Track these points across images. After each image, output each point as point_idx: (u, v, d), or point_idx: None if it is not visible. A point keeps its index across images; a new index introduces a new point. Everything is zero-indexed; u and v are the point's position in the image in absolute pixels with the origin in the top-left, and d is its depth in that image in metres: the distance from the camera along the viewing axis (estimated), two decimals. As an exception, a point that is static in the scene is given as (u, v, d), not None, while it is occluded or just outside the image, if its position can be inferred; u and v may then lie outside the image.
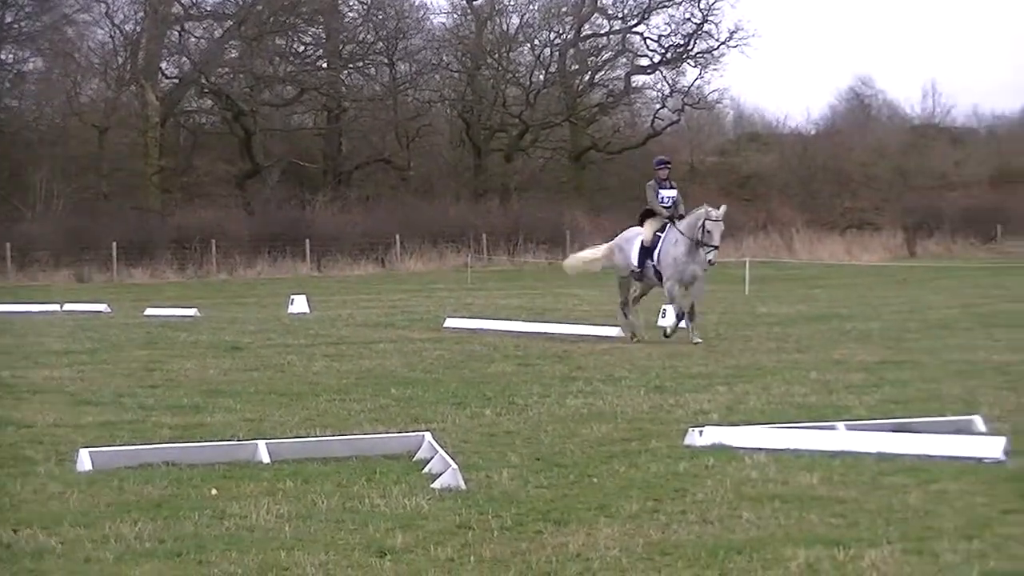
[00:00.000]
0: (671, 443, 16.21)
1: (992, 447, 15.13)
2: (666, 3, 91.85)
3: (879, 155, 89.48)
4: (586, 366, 24.92)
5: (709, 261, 29.75)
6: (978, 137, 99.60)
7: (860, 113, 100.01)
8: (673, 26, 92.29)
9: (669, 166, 31.15)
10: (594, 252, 33.80)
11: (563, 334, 30.96)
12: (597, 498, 13.23)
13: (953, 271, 62.71)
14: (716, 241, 29.59)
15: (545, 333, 31.23)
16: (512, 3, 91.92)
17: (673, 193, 30.64)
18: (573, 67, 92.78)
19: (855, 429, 16.37)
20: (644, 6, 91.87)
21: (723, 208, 30.09)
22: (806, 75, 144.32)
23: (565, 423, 17.99)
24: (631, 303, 30.92)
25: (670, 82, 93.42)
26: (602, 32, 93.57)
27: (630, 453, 15.66)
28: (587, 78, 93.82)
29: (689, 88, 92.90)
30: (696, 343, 28.43)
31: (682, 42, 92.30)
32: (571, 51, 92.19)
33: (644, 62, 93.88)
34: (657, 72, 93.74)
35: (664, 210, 30.29)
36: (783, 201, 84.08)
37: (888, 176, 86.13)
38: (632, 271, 30.66)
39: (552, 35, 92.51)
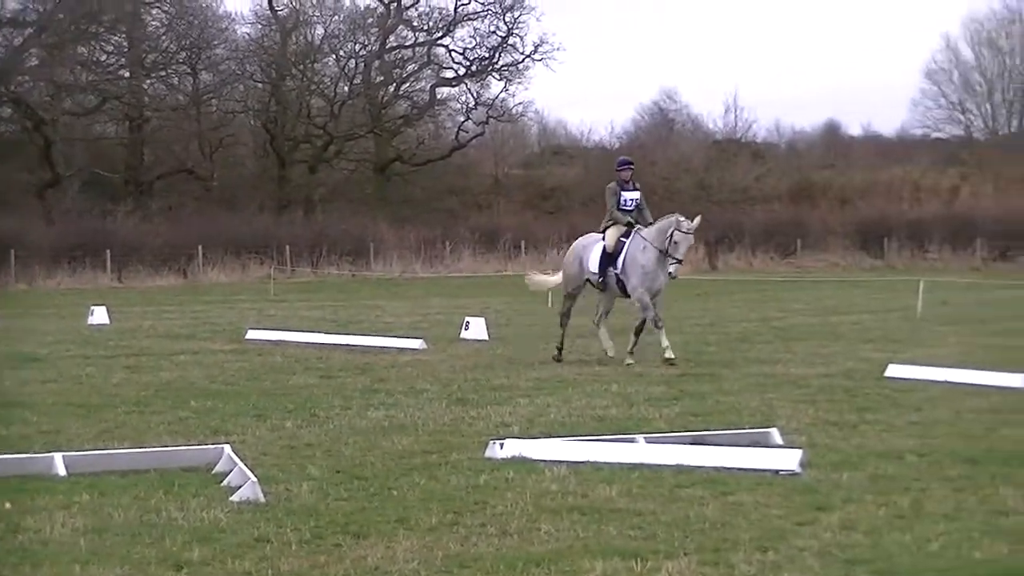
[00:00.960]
0: (472, 456, 16.24)
1: (788, 459, 15.30)
2: (471, 16, 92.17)
3: (682, 169, 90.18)
4: (388, 378, 24.90)
5: (670, 274, 27.80)
6: (779, 152, 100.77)
7: (664, 127, 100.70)
8: (478, 39, 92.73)
9: (631, 167, 28.95)
10: (556, 278, 30.74)
11: (366, 346, 30.88)
12: (397, 511, 13.23)
13: (753, 285, 63.30)
14: (681, 254, 27.76)
15: (348, 345, 31.15)
16: (317, 14, 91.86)
17: (636, 195, 28.58)
18: (378, 79, 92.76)
19: (654, 442, 16.49)
20: (450, 19, 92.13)
21: (697, 220, 28.05)
22: (611, 89, 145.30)
23: (366, 435, 17.97)
24: (599, 322, 29.15)
25: (475, 95, 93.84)
26: (407, 44, 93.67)
27: (431, 466, 15.67)
28: (392, 90, 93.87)
29: (494, 101, 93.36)
30: (629, 363, 26.94)
31: (487, 55, 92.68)
32: (376, 63, 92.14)
33: (449, 74, 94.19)
34: (462, 84, 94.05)
35: (625, 215, 28.31)
36: (587, 214, 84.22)
37: (691, 190, 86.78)
38: (590, 279, 28.73)
39: (357, 47, 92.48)
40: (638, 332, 27.80)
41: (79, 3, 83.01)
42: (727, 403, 20.97)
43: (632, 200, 28.40)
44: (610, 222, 28.40)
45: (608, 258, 28.12)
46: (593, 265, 28.39)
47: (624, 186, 28.44)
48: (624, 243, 28.03)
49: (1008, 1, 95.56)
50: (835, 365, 26.59)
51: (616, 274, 28.03)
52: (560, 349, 28.43)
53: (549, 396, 21.97)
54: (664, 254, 27.54)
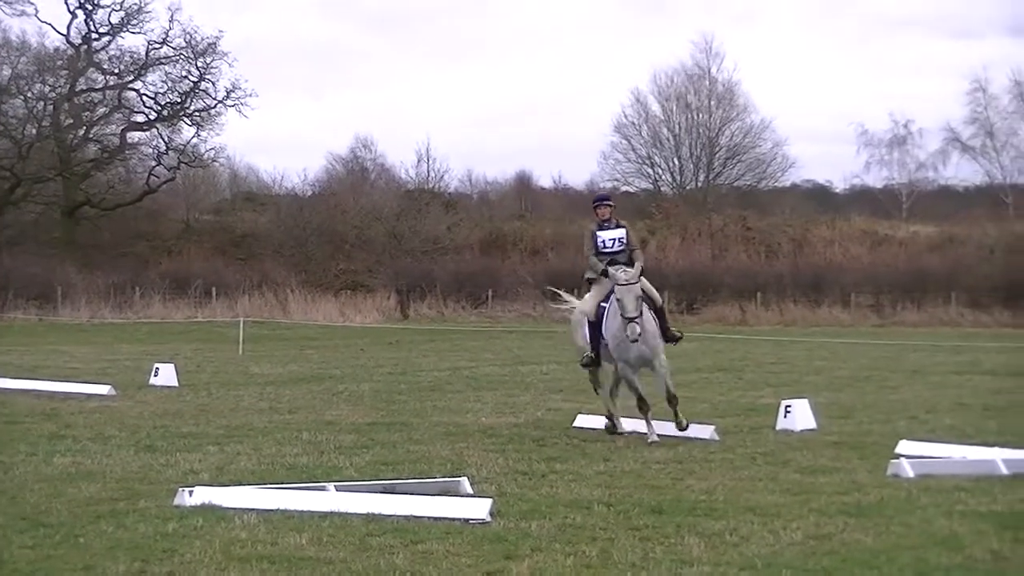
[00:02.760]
0: (161, 503, 16.12)
1: (478, 508, 15.39)
2: (163, 60, 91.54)
3: (374, 218, 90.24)
4: (75, 424, 24.60)
5: (627, 337, 23.04)
6: (471, 202, 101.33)
7: (358, 176, 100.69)
8: (170, 83, 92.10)
9: (609, 203, 24.61)
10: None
11: (52, 392, 30.46)
12: (83, 559, 13.09)
13: (444, 334, 63.61)
14: (631, 312, 22.97)
15: (33, 391, 30.70)
16: (4, 54, 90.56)
17: (619, 233, 24.17)
18: (67, 121, 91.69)
19: (345, 490, 16.48)
20: (141, 63, 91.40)
21: (637, 267, 23.58)
22: (305, 137, 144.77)
23: (52, 482, 17.75)
24: (611, 392, 24.56)
25: (166, 139, 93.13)
26: (97, 87, 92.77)
27: (118, 513, 15.52)
28: (82, 133, 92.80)
29: (185, 146, 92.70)
30: (653, 440, 22.64)
31: (179, 99, 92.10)
32: (65, 105, 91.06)
33: (140, 118, 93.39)
34: (153, 129, 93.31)
35: (602, 260, 23.87)
36: (278, 261, 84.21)
37: (382, 239, 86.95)
38: (586, 357, 24.46)
39: (46, 88, 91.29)
40: (670, 402, 23.36)
41: None
42: (418, 452, 21.06)
43: (613, 240, 24.16)
44: (589, 273, 24.36)
45: (594, 328, 24.08)
46: (583, 340, 24.60)
47: (602, 226, 24.32)
48: (604, 308, 23.89)
49: (697, 57, 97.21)
50: (525, 414, 26.82)
51: (606, 345, 23.95)
52: (611, 418, 24.21)
53: (239, 444, 21.88)
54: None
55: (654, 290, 24.32)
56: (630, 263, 23.81)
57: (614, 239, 24.17)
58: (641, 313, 23.16)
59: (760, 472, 19.28)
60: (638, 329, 22.91)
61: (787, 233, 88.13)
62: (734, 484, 18.12)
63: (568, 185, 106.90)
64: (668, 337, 24.23)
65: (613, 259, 23.90)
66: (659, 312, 24.21)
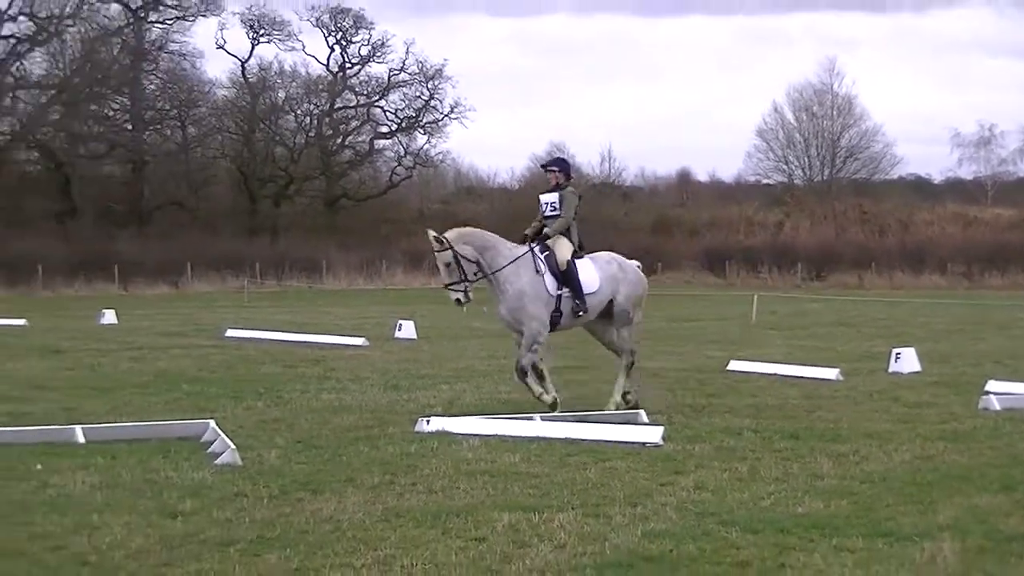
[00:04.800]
0: (404, 430, 16.24)
1: (653, 434, 15.38)
2: (402, 83, 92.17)
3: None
4: (337, 368, 24.84)
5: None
6: (643, 193, 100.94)
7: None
8: (407, 101, 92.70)
9: (553, 168, 19.37)
10: None
11: (320, 343, 30.79)
12: (346, 472, 13.22)
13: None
14: (443, 280, 18.52)
15: (305, 342, 31.05)
16: (279, 80, 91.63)
17: (552, 198, 18.91)
18: (328, 132, 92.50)
19: (548, 419, 16.53)
20: (384, 86, 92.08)
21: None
22: (512, 141, 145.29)
23: (320, 413, 17.95)
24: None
25: (404, 145, 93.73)
26: (351, 105, 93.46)
27: (372, 437, 15.67)
28: (339, 141, 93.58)
29: (419, 151, 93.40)
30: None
31: (414, 114, 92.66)
32: (326, 120, 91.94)
33: (384, 129, 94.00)
34: (394, 138, 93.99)
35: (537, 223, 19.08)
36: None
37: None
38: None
39: (311, 107, 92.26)
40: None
41: (91, 70, 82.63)
42: (604, 390, 21.00)
43: (547, 204, 19.06)
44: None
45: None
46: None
47: (550, 190, 19.18)
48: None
49: (821, 75, 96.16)
50: (687, 361, 26.71)
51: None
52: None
53: (465, 383, 22.00)
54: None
55: (563, 253, 18.33)
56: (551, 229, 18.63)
57: (548, 203, 18.94)
58: (461, 279, 18.00)
59: (876, 406, 19.10)
60: (451, 296, 18.13)
61: (895, 216, 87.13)
62: (855, 415, 17.97)
63: (720, 179, 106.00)
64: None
65: (549, 222, 18.82)
66: (567, 279, 18.24)
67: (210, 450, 14.32)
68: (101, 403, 19.05)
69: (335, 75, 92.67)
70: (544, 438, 15.41)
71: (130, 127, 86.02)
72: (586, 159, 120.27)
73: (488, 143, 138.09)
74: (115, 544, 10.04)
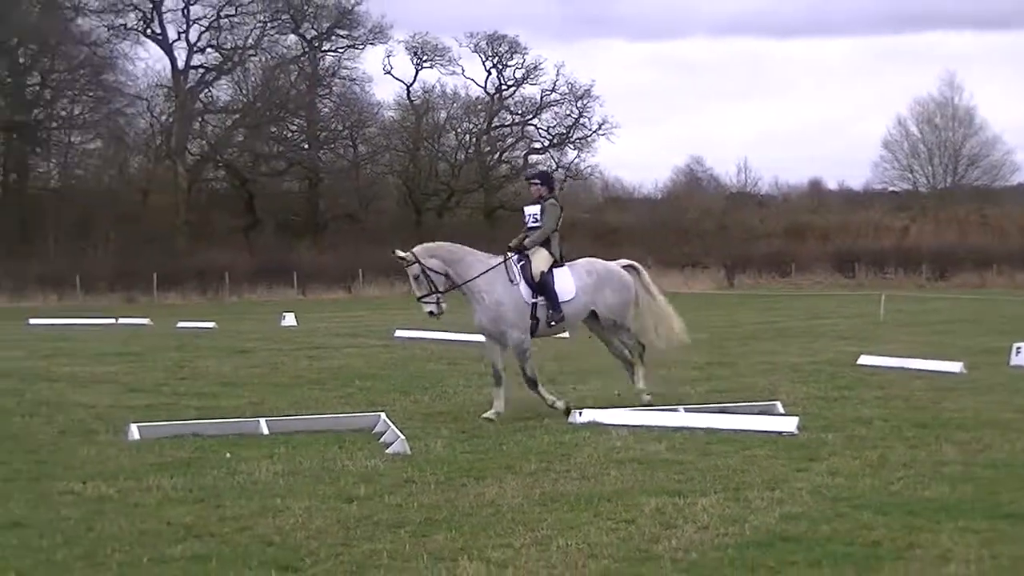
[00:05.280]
0: (559, 421, 16.25)
1: (789, 424, 15.25)
2: (553, 103, 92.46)
3: (706, 213, 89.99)
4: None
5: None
6: (776, 201, 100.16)
7: (692, 183, 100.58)
8: (558, 119, 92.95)
9: (535, 181, 18.90)
10: None
11: (480, 342, 30.76)
12: (506, 460, 13.26)
13: (759, 298, 63.02)
14: (415, 294, 18.26)
15: (467, 341, 31.10)
16: (441, 102, 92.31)
17: (534, 209, 18.29)
18: (486, 149, 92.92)
19: (691, 411, 16.45)
20: (536, 105, 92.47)
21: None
22: (654, 154, 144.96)
23: (482, 406, 17.95)
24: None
25: (556, 160, 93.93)
26: (506, 124, 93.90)
27: (529, 428, 15.70)
28: (496, 157, 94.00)
29: (569, 164, 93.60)
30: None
31: (564, 131, 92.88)
32: (484, 137, 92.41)
33: (537, 145, 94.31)
34: (547, 153, 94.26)
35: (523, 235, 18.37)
36: (637, 246, 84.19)
37: (712, 228, 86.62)
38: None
39: (470, 126, 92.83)
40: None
41: (271, 96, 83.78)
42: (742, 383, 20.93)
43: (530, 215, 18.35)
44: None
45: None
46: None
47: (534, 202, 18.48)
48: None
49: (942, 88, 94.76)
50: (820, 355, 26.44)
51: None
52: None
53: (614, 378, 21.93)
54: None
55: (539, 264, 17.58)
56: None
57: (530, 215, 18.26)
58: (431, 292, 17.56)
59: (997, 397, 18.78)
60: (424, 309, 17.80)
61: (1014, 220, 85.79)
62: (978, 406, 17.68)
63: (849, 187, 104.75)
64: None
65: (531, 233, 18.12)
66: (542, 288, 17.48)
67: (381, 440, 14.42)
68: (283, 398, 19.27)
69: (492, 96, 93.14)
70: (687, 428, 15.34)
71: (306, 147, 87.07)
72: (723, 170, 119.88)
73: (632, 157, 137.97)
74: (297, 526, 10.15)
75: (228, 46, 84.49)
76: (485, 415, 16.81)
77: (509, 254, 17.82)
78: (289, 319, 40.74)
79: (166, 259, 71.08)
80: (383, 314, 47.73)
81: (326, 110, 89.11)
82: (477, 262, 17.77)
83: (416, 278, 17.64)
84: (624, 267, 18.64)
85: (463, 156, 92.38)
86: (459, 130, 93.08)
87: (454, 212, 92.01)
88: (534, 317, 17.44)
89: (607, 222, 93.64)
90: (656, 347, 18.69)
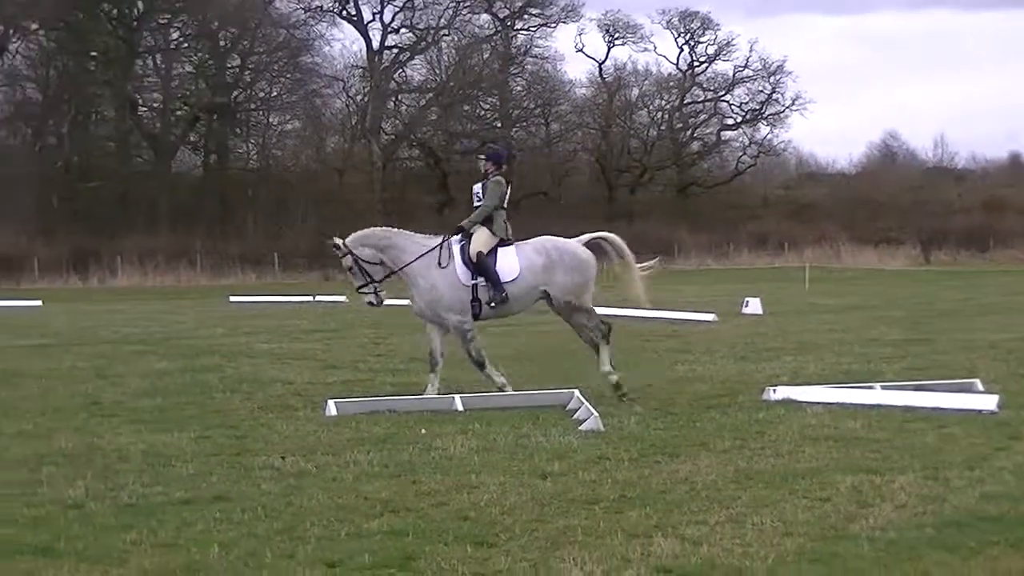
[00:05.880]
0: (752, 398, 16.10)
1: (988, 402, 14.94)
2: (746, 79, 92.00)
3: (902, 188, 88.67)
4: (690, 341, 24.82)
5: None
6: (975, 175, 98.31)
7: (888, 158, 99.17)
8: (750, 95, 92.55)
9: (480, 156, 17.94)
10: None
11: (673, 319, 30.72)
12: (699, 437, 13.18)
13: (958, 274, 61.90)
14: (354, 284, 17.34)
15: (660, 318, 31.00)
16: (633, 79, 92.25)
17: (478, 187, 17.28)
18: (678, 125, 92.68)
19: (887, 388, 16.19)
20: (729, 81, 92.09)
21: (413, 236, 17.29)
22: (848, 129, 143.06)
23: (674, 383, 17.94)
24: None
25: (749, 136, 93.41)
26: (699, 100, 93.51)
27: (722, 405, 15.59)
28: (689, 133, 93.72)
29: (763, 140, 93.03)
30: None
31: (757, 107, 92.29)
32: (676, 114, 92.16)
33: (730, 122, 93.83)
34: (739, 129, 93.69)
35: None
36: (831, 222, 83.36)
37: (908, 204, 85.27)
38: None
39: (663, 102, 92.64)
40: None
41: (465, 74, 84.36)
42: (940, 360, 20.54)
43: (475, 194, 17.35)
44: None
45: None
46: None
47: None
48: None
49: None
50: (1021, 333, 25.85)
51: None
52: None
53: (808, 355, 21.70)
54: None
55: (476, 244, 16.57)
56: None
57: (476, 193, 17.23)
58: (367, 282, 16.73)
59: None
60: (363, 300, 17.17)
61: None
62: None
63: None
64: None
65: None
66: (481, 269, 16.54)
67: (575, 417, 14.44)
68: (476, 375, 19.36)
69: (684, 73, 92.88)
70: (883, 406, 15.09)
71: (499, 125, 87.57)
72: (920, 144, 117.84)
73: (826, 132, 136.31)
74: (492, 501, 10.20)
75: (422, 26, 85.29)
76: (499, 384, 16.57)
77: (450, 235, 16.83)
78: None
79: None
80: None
81: (519, 88, 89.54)
82: (412, 245, 16.82)
83: (350, 269, 16.84)
84: (592, 240, 17.51)
85: (655, 133, 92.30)
86: (651, 107, 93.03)
87: (647, 188, 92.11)
88: (476, 299, 16.56)
89: (801, 198, 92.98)
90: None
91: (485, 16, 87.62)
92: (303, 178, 79.40)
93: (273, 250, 68.91)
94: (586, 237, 17.51)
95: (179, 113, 78.59)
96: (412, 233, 17.23)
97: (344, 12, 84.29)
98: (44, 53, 76.58)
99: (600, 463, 11.81)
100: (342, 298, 43.11)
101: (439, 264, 16.53)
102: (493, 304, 16.55)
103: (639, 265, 18.19)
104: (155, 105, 79.16)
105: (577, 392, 15.58)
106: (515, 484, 10.87)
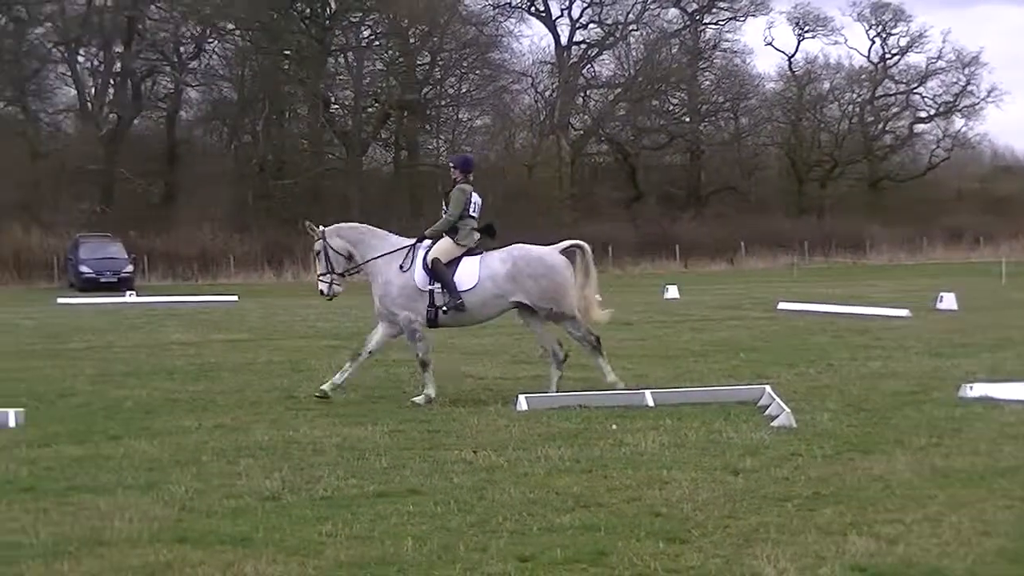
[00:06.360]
0: (948, 395, 15.80)
1: None
2: (939, 71, 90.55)
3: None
4: (883, 337, 24.44)
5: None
6: None
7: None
8: (944, 88, 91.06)
9: (450, 165, 17.76)
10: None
11: (865, 315, 30.35)
12: (894, 434, 12.97)
13: None
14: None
15: (851, 314, 30.67)
16: (824, 72, 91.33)
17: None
18: (869, 119, 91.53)
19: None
20: (922, 74, 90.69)
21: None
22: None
23: (867, 379, 17.68)
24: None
25: (942, 129, 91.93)
26: (891, 93, 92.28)
27: (917, 402, 15.32)
28: (880, 127, 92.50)
29: (956, 133, 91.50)
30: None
31: (951, 99, 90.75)
32: (868, 107, 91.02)
33: (923, 114, 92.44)
34: (933, 121, 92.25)
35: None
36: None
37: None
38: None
39: (853, 95, 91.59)
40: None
41: (653, 69, 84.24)
42: None
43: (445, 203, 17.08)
44: None
45: None
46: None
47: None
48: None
49: None
50: None
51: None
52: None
53: (1005, 351, 21.25)
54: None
55: (435, 251, 16.37)
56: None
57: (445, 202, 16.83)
58: (328, 271, 16.72)
59: None
60: (318, 287, 17.08)
61: None
62: None
63: None
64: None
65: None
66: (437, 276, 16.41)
67: (766, 413, 14.31)
68: (667, 370, 19.33)
69: (876, 65, 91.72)
70: (1085, 404, 14.71)
71: (687, 120, 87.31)
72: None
73: (1023, 124, 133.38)
74: (683, 497, 10.14)
75: (610, 21, 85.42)
76: (428, 397, 16.06)
77: (419, 240, 16.68)
78: (672, 291, 40.90)
79: (550, 232, 72.20)
80: (766, 286, 47.44)
81: (707, 83, 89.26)
82: (382, 244, 16.79)
83: (317, 254, 16.91)
84: (568, 248, 17.10)
85: (846, 126, 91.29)
86: (842, 100, 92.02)
87: (837, 183, 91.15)
88: (433, 304, 16.40)
89: (996, 191, 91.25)
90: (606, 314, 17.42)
91: (673, 10, 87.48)
92: (491, 174, 79.93)
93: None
94: (561, 245, 17.22)
95: (370, 110, 79.56)
96: (388, 234, 17.10)
97: (533, 8, 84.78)
98: (240, 53, 78.17)
99: (792, 460, 11.68)
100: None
101: (401, 267, 16.46)
102: (447, 310, 16.35)
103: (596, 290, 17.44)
104: (347, 102, 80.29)
105: (769, 388, 15.44)
106: (707, 480, 10.80)
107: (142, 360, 22.10)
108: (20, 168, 69.43)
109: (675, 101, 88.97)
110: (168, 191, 75.65)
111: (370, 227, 17.31)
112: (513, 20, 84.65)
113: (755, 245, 74.52)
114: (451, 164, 17.48)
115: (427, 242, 16.59)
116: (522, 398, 15.21)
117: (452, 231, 16.57)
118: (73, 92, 77.37)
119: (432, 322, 16.54)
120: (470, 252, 16.59)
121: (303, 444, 12.83)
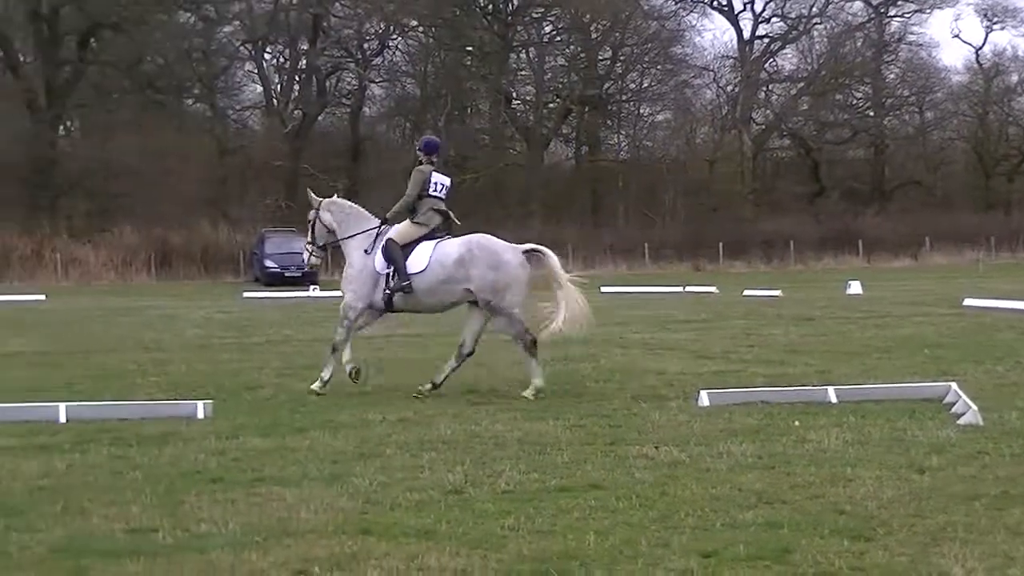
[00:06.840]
0: None
1: None
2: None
3: None
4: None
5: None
6: None
7: None
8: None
9: (417, 148, 17.58)
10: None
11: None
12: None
13: None
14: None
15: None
16: (1012, 64, 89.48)
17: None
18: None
19: None
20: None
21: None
22: None
23: (1059, 378, 17.30)
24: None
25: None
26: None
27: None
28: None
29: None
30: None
31: None
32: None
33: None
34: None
35: None
36: None
37: None
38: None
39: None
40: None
41: (837, 63, 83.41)
42: None
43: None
44: None
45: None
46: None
47: None
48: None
49: None
50: None
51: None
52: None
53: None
54: None
55: (390, 233, 16.62)
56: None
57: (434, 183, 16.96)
58: (311, 242, 17.55)
59: None
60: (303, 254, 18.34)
61: None
62: None
63: None
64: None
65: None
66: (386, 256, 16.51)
67: (952, 410, 14.06)
68: (850, 366, 19.09)
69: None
70: None
71: (871, 114, 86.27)
72: None
73: None
74: (867, 495, 10.02)
75: (793, 15, 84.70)
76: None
77: (382, 225, 16.93)
78: (855, 287, 40.42)
79: (732, 228, 71.91)
80: (951, 282, 46.62)
81: (892, 76, 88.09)
82: (360, 223, 17.09)
83: (311, 223, 17.57)
84: (530, 250, 16.74)
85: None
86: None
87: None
88: (388, 287, 16.52)
89: None
90: (556, 329, 16.83)
91: (858, 3, 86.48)
92: (673, 169, 79.76)
93: (643, 240, 69.39)
94: (526, 246, 16.91)
95: (551, 105, 79.84)
96: (373, 217, 17.19)
97: (715, 2, 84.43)
98: (423, 49, 78.96)
99: (979, 458, 11.47)
100: (711, 288, 43.08)
101: (365, 251, 16.72)
102: (391, 290, 16.42)
103: (572, 277, 17.25)
104: (528, 98, 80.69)
105: (954, 385, 15.17)
106: (891, 478, 10.65)
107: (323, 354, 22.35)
108: (208, 164, 71.01)
109: (859, 95, 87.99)
110: (352, 186, 76.59)
111: (359, 208, 17.54)
112: (695, 14, 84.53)
113: (940, 241, 73.35)
114: (417, 148, 17.48)
115: (394, 226, 16.80)
116: (704, 393, 15.15)
117: (411, 212, 16.75)
118: (259, 89, 79.01)
119: (388, 305, 16.66)
120: (431, 236, 16.65)
121: (485, 438, 12.91)
